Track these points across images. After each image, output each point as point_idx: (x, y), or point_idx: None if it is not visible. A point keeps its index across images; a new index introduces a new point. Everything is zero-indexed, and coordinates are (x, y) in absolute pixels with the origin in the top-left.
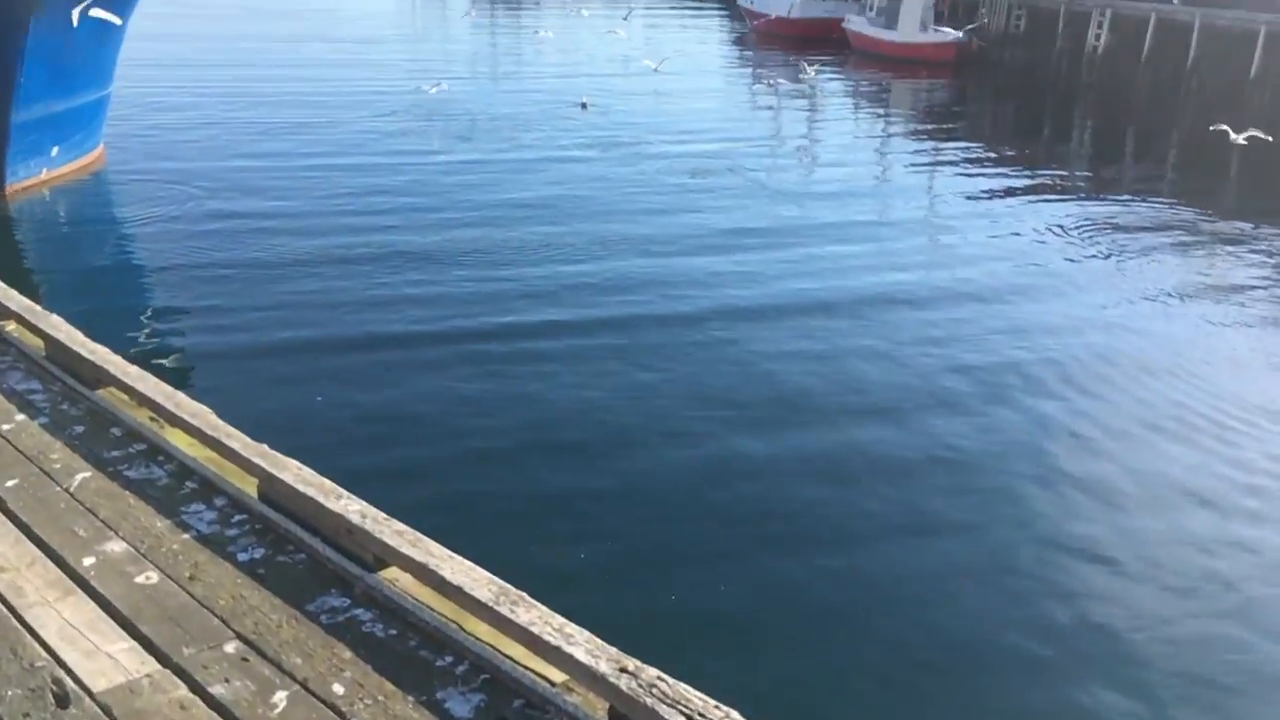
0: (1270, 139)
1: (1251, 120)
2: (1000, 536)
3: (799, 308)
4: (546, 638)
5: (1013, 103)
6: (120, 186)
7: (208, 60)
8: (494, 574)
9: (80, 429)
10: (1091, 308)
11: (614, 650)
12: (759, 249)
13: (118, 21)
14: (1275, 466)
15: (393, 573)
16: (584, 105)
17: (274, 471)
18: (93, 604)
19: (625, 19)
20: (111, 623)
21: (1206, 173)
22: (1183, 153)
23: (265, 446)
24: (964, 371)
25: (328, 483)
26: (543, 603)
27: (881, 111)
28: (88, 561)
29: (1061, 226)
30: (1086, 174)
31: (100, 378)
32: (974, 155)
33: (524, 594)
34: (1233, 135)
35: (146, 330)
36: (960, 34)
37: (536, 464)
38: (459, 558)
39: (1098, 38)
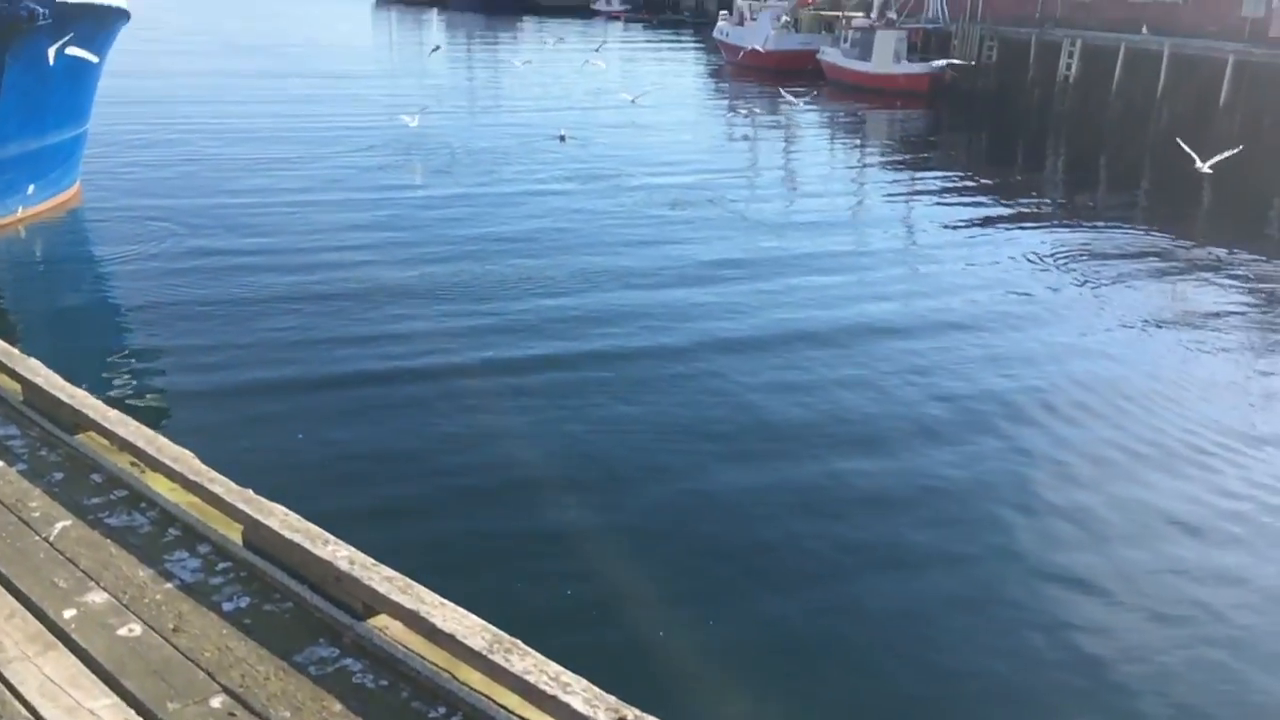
0: (1237, 149)
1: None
2: (986, 568)
3: (780, 339)
4: (542, 686)
5: (987, 132)
6: (97, 224)
7: (185, 96)
8: (485, 618)
9: (59, 475)
10: (1070, 335)
11: (612, 699)
12: (740, 280)
13: (94, 59)
14: (1258, 493)
15: (383, 620)
16: (562, 138)
17: (259, 517)
18: (74, 658)
19: (597, 50)
20: (94, 678)
21: (1179, 199)
22: (1155, 180)
23: (250, 491)
24: (946, 401)
25: (314, 528)
26: (533, 645)
27: (858, 142)
28: (69, 614)
29: (1038, 254)
30: (1061, 202)
31: (79, 422)
32: (950, 184)
33: (518, 641)
34: (1199, 164)
35: (125, 372)
36: (942, 63)
37: (520, 501)
38: (450, 604)
39: (1069, 67)
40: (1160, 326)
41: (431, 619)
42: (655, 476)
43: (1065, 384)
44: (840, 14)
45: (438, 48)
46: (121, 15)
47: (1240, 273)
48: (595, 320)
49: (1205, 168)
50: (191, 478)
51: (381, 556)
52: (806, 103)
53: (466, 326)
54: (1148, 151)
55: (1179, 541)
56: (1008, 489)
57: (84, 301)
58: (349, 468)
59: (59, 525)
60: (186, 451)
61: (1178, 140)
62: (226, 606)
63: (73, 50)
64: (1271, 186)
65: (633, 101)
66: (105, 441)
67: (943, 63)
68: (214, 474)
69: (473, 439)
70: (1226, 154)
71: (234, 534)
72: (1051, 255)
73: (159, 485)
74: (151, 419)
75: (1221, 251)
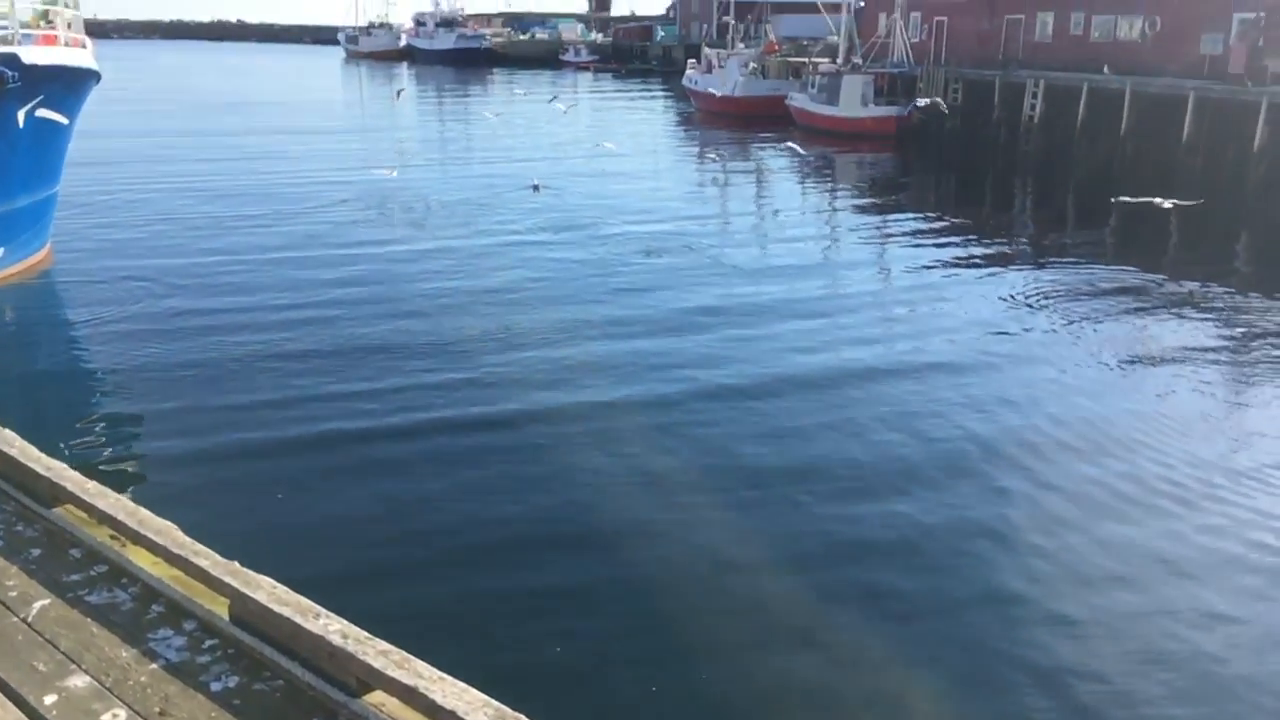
0: (1198, 201)
1: (1185, 183)
2: (971, 617)
3: (760, 386)
4: None
5: (955, 173)
6: (69, 287)
7: (156, 156)
8: (485, 690)
9: (37, 552)
10: (1048, 374)
11: None
12: (718, 327)
13: (64, 121)
14: (1245, 531)
15: (378, 697)
16: (536, 187)
17: (246, 591)
18: None
19: (552, 100)
20: None
21: (1148, 237)
22: (1122, 218)
23: (236, 564)
24: (927, 443)
25: (304, 600)
26: (535, 718)
27: (830, 185)
28: (49, 699)
29: (1012, 294)
30: (1032, 241)
31: (57, 495)
32: (922, 226)
33: (521, 716)
34: (1158, 201)
35: (101, 439)
36: (924, 101)
37: (511, 560)
38: (450, 678)
39: (1033, 108)
40: (1136, 363)
41: (431, 695)
42: (639, 533)
43: (1044, 423)
44: (807, 60)
45: (402, 90)
46: (91, 76)
47: (1211, 307)
48: (575, 372)
49: (1167, 204)
50: (175, 551)
51: (373, 626)
52: (777, 147)
53: (446, 381)
54: (1114, 189)
55: (1168, 584)
56: (990, 535)
57: (57, 367)
58: (334, 531)
59: (37, 605)
60: (169, 523)
61: (1122, 199)
62: (214, 686)
63: (42, 112)
64: (1236, 220)
65: (605, 148)
66: (84, 514)
67: (924, 101)
68: (198, 546)
69: (457, 496)
70: (1184, 201)
71: (220, 609)
72: (1025, 294)
73: (141, 559)
74: (131, 488)
75: (1193, 285)
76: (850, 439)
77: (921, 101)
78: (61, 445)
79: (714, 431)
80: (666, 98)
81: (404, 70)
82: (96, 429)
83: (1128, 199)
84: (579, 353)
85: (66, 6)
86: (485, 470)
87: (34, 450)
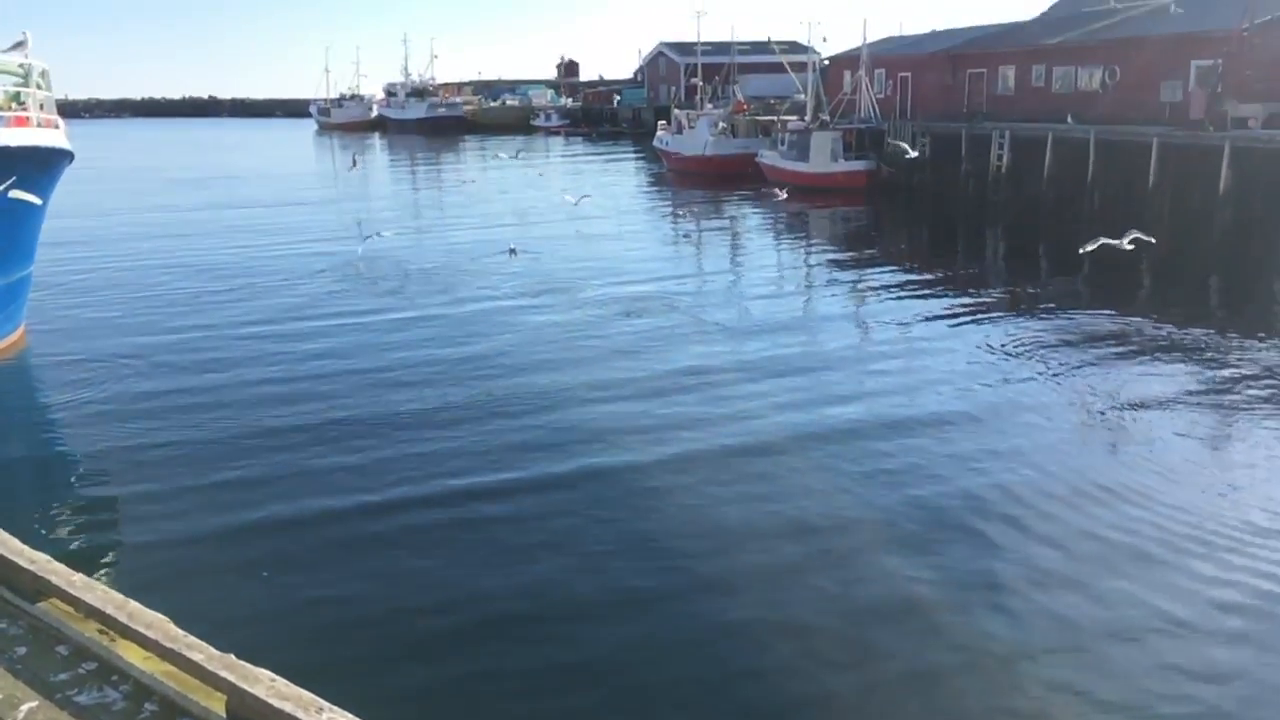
0: (1153, 240)
1: (1154, 227)
2: (962, 684)
3: (745, 449)
4: None
5: (927, 225)
6: (44, 369)
7: (130, 234)
8: None
9: (22, 650)
10: (1030, 428)
11: None
12: (700, 389)
13: (37, 202)
14: (1242, 579)
15: None
16: (512, 251)
17: (244, 686)
18: None
19: (514, 154)
20: None
21: (1121, 283)
22: (1095, 264)
23: (232, 656)
24: (910, 504)
25: (305, 694)
26: None
27: (804, 240)
28: None
29: (990, 346)
30: (1007, 292)
31: (41, 589)
32: (898, 280)
33: None
34: (1117, 242)
35: (83, 527)
36: (913, 154)
37: (503, 638)
38: None
39: (1000, 158)
40: (1118, 410)
41: None
42: (627, 605)
43: (1031, 477)
44: (776, 118)
45: (356, 160)
46: (64, 156)
47: (1189, 351)
48: (562, 439)
49: (1125, 243)
50: (167, 645)
51: (378, 716)
52: (750, 204)
53: (432, 453)
54: (1084, 236)
55: (1167, 640)
56: (980, 594)
57: (33, 452)
58: (330, 614)
59: (24, 707)
60: (160, 615)
61: (1085, 249)
62: None
63: (16, 194)
64: (1206, 263)
65: (575, 204)
66: (70, 609)
67: (914, 154)
68: (191, 639)
69: (451, 571)
70: (1141, 235)
71: (217, 705)
72: (1004, 345)
73: (131, 655)
74: (117, 580)
75: (1170, 329)
76: (839, 499)
77: (912, 154)
78: (41, 534)
79: (701, 497)
80: (638, 159)
81: (375, 140)
82: (77, 516)
83: (1089, 247)
84: (564, 419)
85: (39, 88)
86: (477, 543)
87: (16, 542)
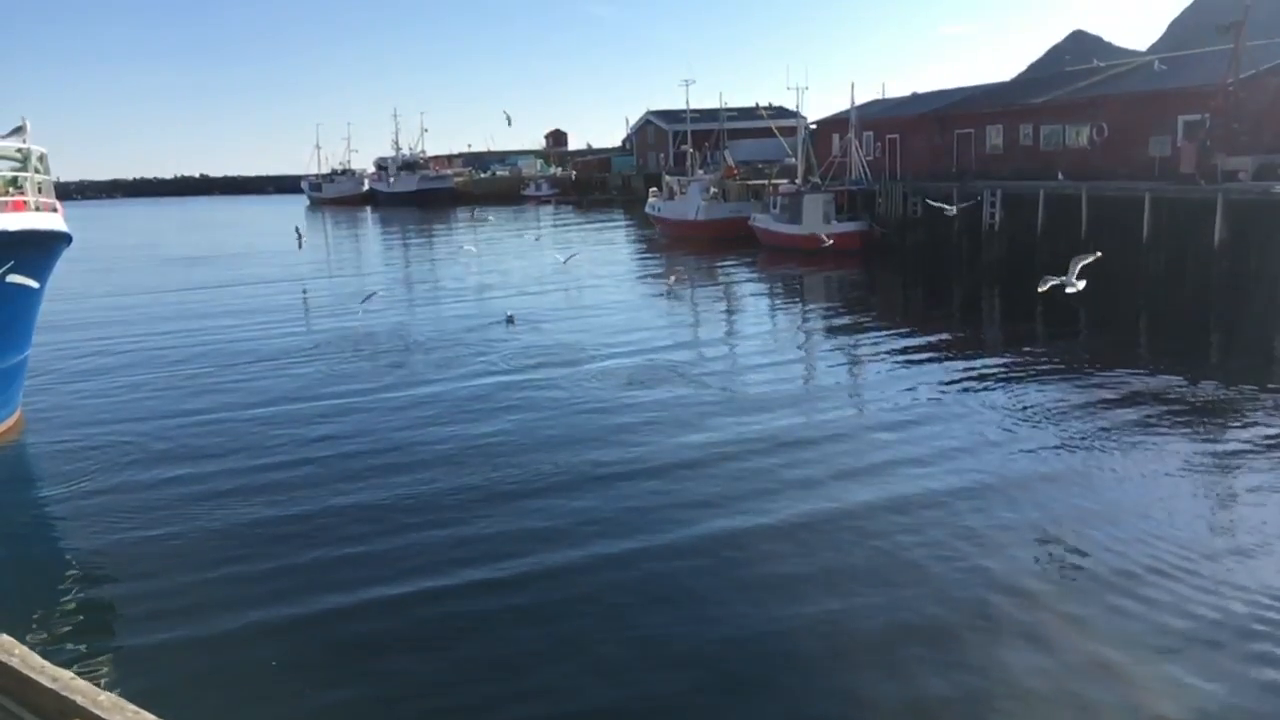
0: (1098, 253)
1: (1150, 281)
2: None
3: (762, 532)
4: None
5: (922, 286)
6: (40, 457)
7: (127, 317)
8: None
9: None
10: (1057, 497)
11: None
12: (709, 463)
13: (35, 285)
14: (1240, 609)
15: None
16: (510, 319)
17: None
18: None
19: (472, 225)
20: None
21: (1121, 341)
22: (1092, 322)
23: None
24: (935, 592)
25: None
26: None
27: (800, 304)
28: None
29: (994, 409)
30: (1006, 354)
31: (64, 710)
32: (900, 345)
33: None
34: (1063, 279)
35: (84, 632)
36: (953, 209)
37: None
38: None
39: (992, 216)
40: (1149, 478)
41: None
42: (646, 700)
43: (1065, 553)
44: (767, 182)
45: (300, 241)
46: (62, 239)
47: (1204, 407)
48: (569, 523)
49: (1075, 282)
50: None
51: None
52: (746, 268)
53: (434, 544)
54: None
55: (1156, 666)
56: (1013, 686)
57: (29, 548)
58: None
59: None
60: None
61: (1041, 290)
62: None
63: (14, 278)
64: (1202, 316)
65: (564, 263)
66: None
67: (953, 210)
68: None
69: (452, 676)
70: (1086, 261)
71: None
72: (1009, 412)
73: None
74: (141, 695)
75: (1177, 380)
76: (850, 593)
77: (950, 210)
78: (40, 638)
79: (716, 584)
80: (629, 226)
81: (368, 214)
82: (74, 618)
83: (1042, 289)
84: (569, 505)
85: (37, 171)
86: (486, 641)
87: (36, 658)
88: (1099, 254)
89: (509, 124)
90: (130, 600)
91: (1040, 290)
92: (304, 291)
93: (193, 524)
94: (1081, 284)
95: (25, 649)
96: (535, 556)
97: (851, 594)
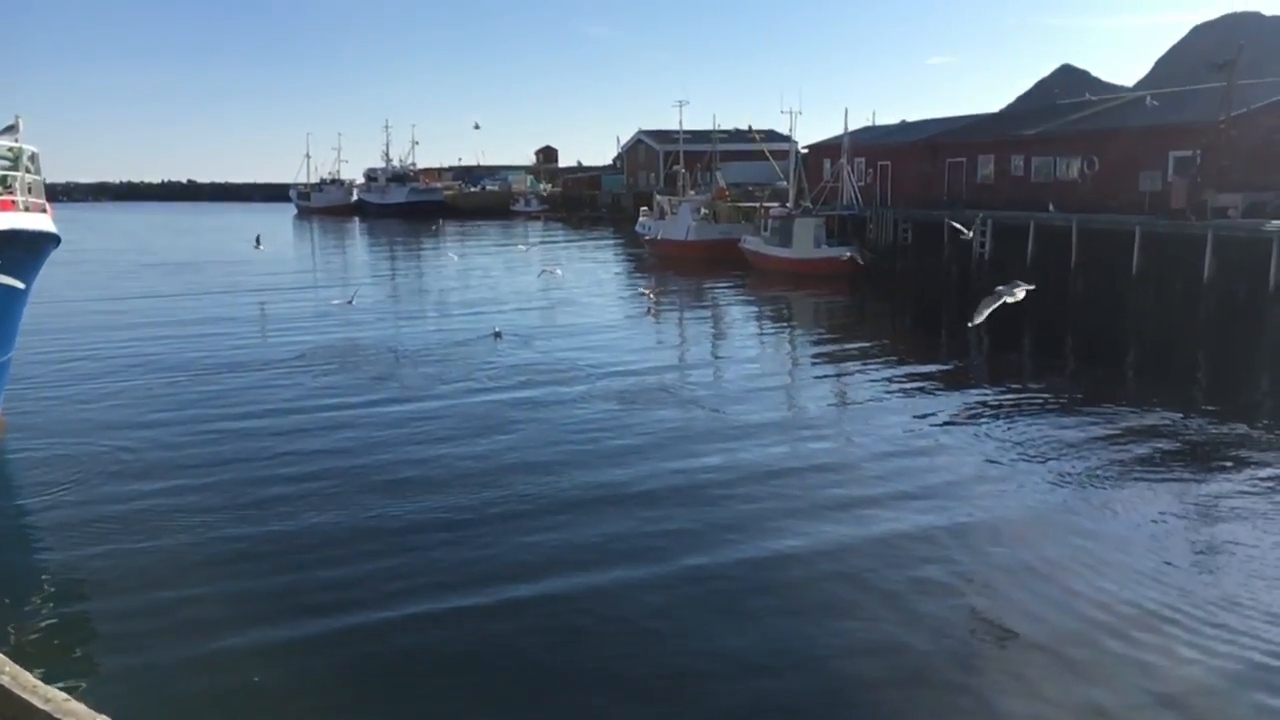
0: (1031, 286)
1: (1138, 315)
2: None
3: (767, 562)
4: None
5: (910, 313)
6: (21, 462)
7: (113, 322)
8: None
9: None
10: (1063, 539)
11: None
12: (693, 492)
13: (20, 286)
14: (1230, 653)
15: None
16: (498, 334)
17: None
18: None
19: (439, 237)
20: None
21: (1108, 375)
22: (1080, 356)
23: None
24: (932, 632)
25: None
26: None
27: (789, 328)
28: None
29: (987, 442)
30: (995, 386)
31: None
32: (891, 373)
33: None
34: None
35: (64, 651)
36: (968, 233)
37: None
38: None
39: (982, 245)
40: (1116, 487)
41: None
42: None
43: (1073, 601)
44: (758, 204)
45: (259, 241)
46: (50, 240)
47: (1173, 437)
48: (564, 550)
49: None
50: None
51: None
52: (735, 291)
53: (421, 565)
54: (1070, 325)
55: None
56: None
57: (9, 559)
58: None
59: None
60: None
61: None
62: None
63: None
64: (1190, 351)
65: (555, 274)
66: None
67: (969, 234)
68: None
69: (440, 707)
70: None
71: None
72: (1001, 446)
73: None
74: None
75: (1175, 415)
76: (850, 618)
77: (966, 233)
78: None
79: (691, 614)
80: (618, 244)
81: (355, 224)
82: (55, 636)
83: (977, 320)
84: (563, 530)
85: (28, 171)
86: (475, 667)
87: (29, 677)
88: (1031, 286)
89: (475, 127)
90: (112, 616)
91: (975, 323)
92: (262, 305)
93: (177, 537)
94: (1021, 293)
95: (16, 666)
96: (521, 581)
97: (834, 630)
